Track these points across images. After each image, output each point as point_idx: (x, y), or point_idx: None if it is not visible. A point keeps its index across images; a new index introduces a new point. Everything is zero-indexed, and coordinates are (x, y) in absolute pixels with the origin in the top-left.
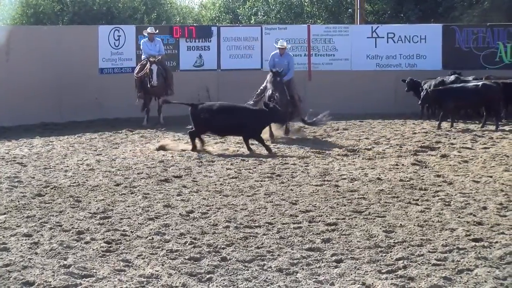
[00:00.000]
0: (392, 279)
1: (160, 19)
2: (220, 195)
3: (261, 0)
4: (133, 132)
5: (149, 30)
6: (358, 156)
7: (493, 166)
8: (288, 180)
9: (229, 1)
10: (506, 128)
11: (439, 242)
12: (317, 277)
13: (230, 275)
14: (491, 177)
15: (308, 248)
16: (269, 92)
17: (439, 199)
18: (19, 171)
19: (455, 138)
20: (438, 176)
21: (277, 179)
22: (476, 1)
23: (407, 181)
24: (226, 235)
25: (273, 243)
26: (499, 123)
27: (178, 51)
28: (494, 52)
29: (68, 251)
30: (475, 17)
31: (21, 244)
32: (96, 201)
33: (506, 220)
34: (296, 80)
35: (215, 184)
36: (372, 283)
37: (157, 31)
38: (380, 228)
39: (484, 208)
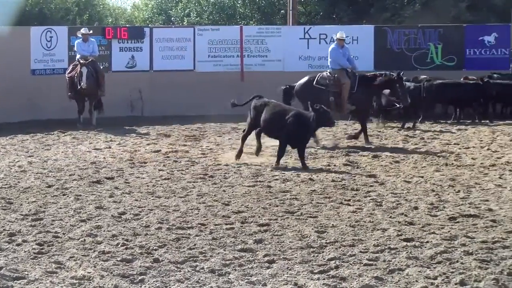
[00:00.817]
0: (324, 279)
1: (92, 20)
2: (152, 197)
3: (193, 1)
4: (65, 134)
5: (82, 31)
6: (291, 157)
7: (424, 166)
8: (221, 181)
9: (161, 2)
10: (437, 128)
11: (370, 242)
12: (249, 277)
13: (162, 277)
14: (422, 177)
15: (241, 249)
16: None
17: (370, 199)
18: None
19: (386, 139)
20: (370, 176)
21: (209, 180)
22: (407, 2)
23: (339, 181)
24: (158, 237)
25: (205, 244)
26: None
27: (110, 52)
28: (425, 53)
29: (0, 253)
30: (406, 18)
31: None
32: (28, 202)
33: (437, 220)
34: (228, 81)
35: (148, 186)
36: (304, 284)
37: (91, 31)
38: (312, 229)
39: (415, 208)
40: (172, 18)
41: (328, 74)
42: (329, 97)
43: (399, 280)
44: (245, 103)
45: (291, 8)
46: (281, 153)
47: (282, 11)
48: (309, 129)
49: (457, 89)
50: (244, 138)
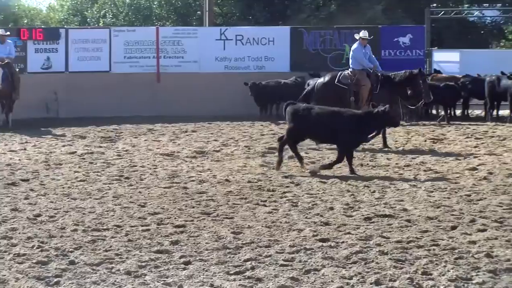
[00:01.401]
0: (240, 280)
1: (7, 21)
2: (68, 198)
3: (109, 2)
4: None
5: (0, 32)
6: (207, 158)
7: (340, 167)
8: (137, 182)
9: (77, 3)
10: None
11: (286, 243)
12: (165, 279)
13: (78, 279)
14: (338, 177)
15: (157, 250)
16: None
17: (286, 200)
18: None
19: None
20: (286, 177)
21: (125, 181)
22: (323, 3)
23: (255, 182)
24: (74, 239)
25: (121, 246)
26: None
27: (25, 53)
28: (340, 54)
29: None
30: (322, 20)
31: None
32: None
33: (352, 220)
34: (144, 82)
35: (63, 187)
36: (220, 285)
37: (8, 33)
38: (228, 230)
39: (331, 208)
40: (88, 19)
41: (349, 73)
42: (350, 97)
43: (315, 281)
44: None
45: (207, 9)
46: (351, 156)
47: (198, 12)
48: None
49: None
50: (282, 148)
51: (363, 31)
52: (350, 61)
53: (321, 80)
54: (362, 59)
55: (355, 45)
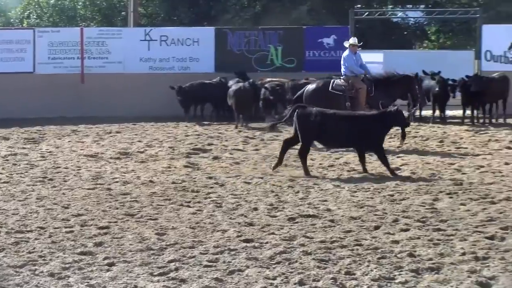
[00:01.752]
0: (164, 281)
1: None
2: None
3: (33, 3)
4: None
5: None
6: (131, 159)
7: (264, 168)
8: (60, 184)
9: (0, 4)
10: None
11: (210, 244)
12: (89, 281)
13: (1, 281)
14: (262, 178)
15: (80, 252)
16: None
17: (211, 200)
18: None
19: (227, 140)
20: (210, 178)
21: (49, 183)
22: (248, 4)
23: (180, 183)
24: None
25: (45, 248)
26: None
27: None
28: (265, 55)
29: None
30: (247, 20)
31: None
32: None
33: (276, 221)
34: (69, 83)
35: None
36: (144, 286)
37: None
38: (152, 231)
39: (255, 209)
40: (12, 20)
41: (342, 80)
42: (346, 103)
43: (239, 281)
44: (288, 116)
45: (132, 10)
46: (386, 158)
47: (123, 12)
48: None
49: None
50: (305, 156)
51: (352, 38)
52: (342, 68)
53: (311, 86)
54: (353, 66)
55: (346, 52)
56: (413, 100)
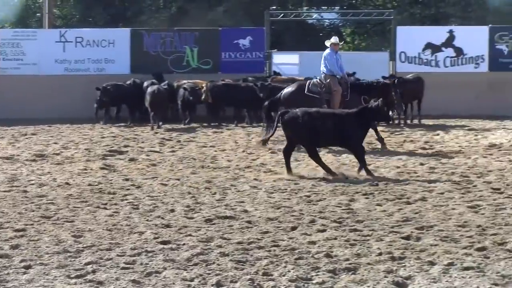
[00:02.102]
0: (81, 283)
1: None
2: None
3: None
4: None
5: None
6: (47, 161)
7: (181, 169)
8: None
9: None
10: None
11: (127, 246)
12: (5, 284)
13: None
14: (178, 179)
15: None
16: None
17: (127, 202)
18: None
19: (143, 142)
20: (127, 179)
21: None
22: (164, 5)
23: (96, 185)
24: None
25: None
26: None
27: None
28: (181, 56)
29: None
30: (162, 22)
31: None
32: None
33: (193, 222)
34: None
35: None
36: None
37: None
38: (69, 233)
39: (172, 210)
40: None
41: (319, 81)
42: (322, 105)
43: (156, 283)
44: (276, 125)
45: (47, 11)
46: (364, 158)
47: (38, 14)
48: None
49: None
50: (317, 155)
51: (334, 37)
52: (322, 66)
53: (288, 89)
54: (334, 66)
55: (327, 51)
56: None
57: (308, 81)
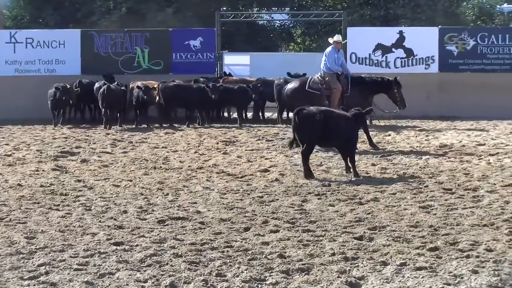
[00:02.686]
0: (34, 285)
1: None
2: None
3: None
4: None
5: None
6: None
7: (133, 170)
8: None
9: None
10: (164, 131)
11: (80, 247)
12: None
13: None
14: (131, 181)
15: None
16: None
17: (80, 204)
18: None
19: (95, 143)
20: (79, 181)
21: None
22: (114, 6)
23: (48, 186)
24: None
25: None
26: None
27: None
28: (132, 57)
29: None
30: (113, 22)
31: None
32: None
33: (146, 223)
34: None
35: None
36: None
37: None
38: (22, 235)
39: (125, 211)
40: None
41: (320, 78)
42: (324, 101)
43: (109, 284)
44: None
45: None
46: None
47: None
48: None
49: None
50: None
51: (337, 35)
52: (322, 64)
53: (290, 86)
54: (332, 64)
55: (329, 49)
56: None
57: (310, 78)
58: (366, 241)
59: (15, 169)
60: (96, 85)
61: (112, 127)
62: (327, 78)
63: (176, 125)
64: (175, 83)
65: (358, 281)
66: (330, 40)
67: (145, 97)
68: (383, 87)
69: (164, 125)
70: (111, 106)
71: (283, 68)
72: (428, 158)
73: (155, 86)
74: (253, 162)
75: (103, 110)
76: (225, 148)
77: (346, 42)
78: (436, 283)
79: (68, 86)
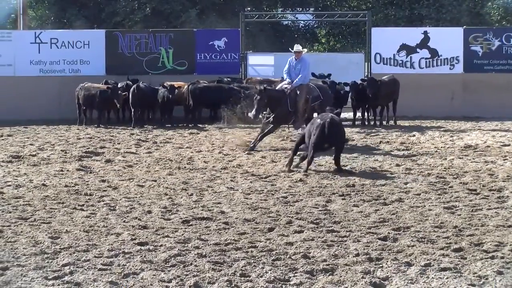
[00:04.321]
0: (59, 285)
1: None
2: None
3: None
4: None
5: None
6: (23, 163)
7: (157, 170)
8: None
9: None
10: (170, 132)
11: (105, 247)
12: None
13: None
14: (155, 181)
15: None
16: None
17: (104, 204)
18: None
19: (119, 143)
20: (103, 181)
21: None
22: (138, 7)
23: (72, 186)
24: None
25: None
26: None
27: None
28: (156, 58)
29: None
30: (137, 23)
31: None
32: None
33: (170, 224)
34: None
35: None
36: None
37: None
38: (46, 235)
39: (149, 212)
40: None
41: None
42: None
43: (134, 284)
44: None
45: (21, 13)
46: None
47: (12, 15)
48: None
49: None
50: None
51: (296, 45)
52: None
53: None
54: (288, 73)
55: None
56: None
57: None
58: (391, 241)
59: (39, 169)
60: (119, 85)
61: (144, 126)
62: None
63: (200, 125)
64: (205, 84)
65: (382, 281)
66: (291, 50)
67: (170, 96)
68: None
69: (190, 125)
70: (141, 105)
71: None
72: (453, 159)
73: (181, 86)
74: (277, 163)
75: (132, 109)
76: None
77: (370, 42)
78: (460, 284)
79: (118, 87)
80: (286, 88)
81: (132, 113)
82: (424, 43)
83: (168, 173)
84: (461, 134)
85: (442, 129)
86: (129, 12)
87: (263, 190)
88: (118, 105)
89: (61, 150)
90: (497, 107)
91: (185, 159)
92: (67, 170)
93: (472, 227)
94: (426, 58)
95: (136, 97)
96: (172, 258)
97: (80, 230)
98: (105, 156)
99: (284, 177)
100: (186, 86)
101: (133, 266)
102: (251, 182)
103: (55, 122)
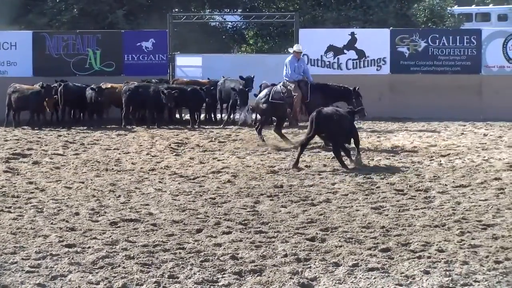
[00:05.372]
0: None
1: None
2: None
3: None
4: None
5: None
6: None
7: (85, 172)
8: None
9: None
10: (97, 133)
11: (32, 249)
12: None
13: None
14: (83, 182)
15: None
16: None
17: (31, 206)
18: None
19: (47, 145)
20: (31, 183)
21: None
22: (65, 8)
23: (0, 188)
24: None
25: None
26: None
27: None
28: (84, 59)
29: None
30: (64, 24)
31: None
32: None
33: (98, 226)
34: None
35: None
36: None
37: None
38: None
39: (77, 213)
40: None
41: (281, 87)
42: (287, 109)
43: (62, 286)
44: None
45: None
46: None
47: None
48: None
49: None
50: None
51: (296, 45)
52: (284, 73)
53: (259, 96)
54: (292, 73)
55: (289, 58)
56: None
57: (271, 88)
58: (318, 242)
59: None
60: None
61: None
62: (288, 87)
63: (128, 126)
64: (136, 84)
65: (310, 282)
66: (290, 50)
67: (99, 98)
68: (343, 95)
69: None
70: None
71: (235, 70)
72: (380, 160)
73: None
74: (206, 164)
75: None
76: (177, 149)
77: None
78: (388, 284)
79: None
80: (290, 86)
81: (59, 112)
82: (351, 44)
83: (95, 175)
84: (388, 134)
85: (369, 129)
86: (57, 13)
87: (191, 192)
88: (48, 108)
89: None
90: (424, 107)
91: (112, 160)
92: None
93: (399, 227)
94: (353, 59)
95: (64, 96)
96: (100, 260)
97: (7, 232)
98: (32, 158)
99: (212, 178)
100: (122, 87)
101: (61, 268)
102: (179, 183)
103: None
